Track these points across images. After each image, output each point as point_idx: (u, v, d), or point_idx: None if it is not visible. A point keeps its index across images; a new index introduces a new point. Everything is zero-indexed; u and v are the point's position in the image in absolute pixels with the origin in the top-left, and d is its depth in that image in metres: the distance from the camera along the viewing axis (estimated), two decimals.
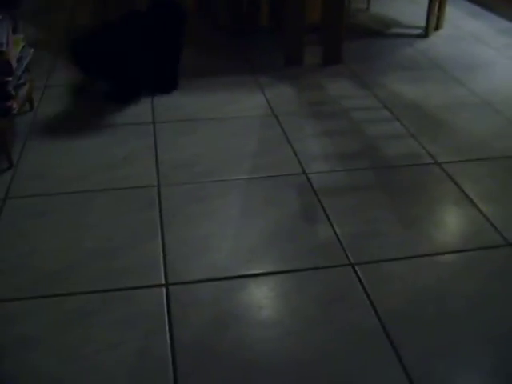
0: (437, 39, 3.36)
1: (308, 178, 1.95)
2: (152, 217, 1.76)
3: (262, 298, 1.48)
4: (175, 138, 2.20)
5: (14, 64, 2.05)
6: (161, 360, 1.30)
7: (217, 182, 1.93)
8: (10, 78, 1.99)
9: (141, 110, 2.42)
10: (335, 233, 1.69)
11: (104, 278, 1.52)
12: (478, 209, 1.82)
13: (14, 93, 2.02)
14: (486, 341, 1.36)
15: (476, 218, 1.79)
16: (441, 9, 3.45)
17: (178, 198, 1.84)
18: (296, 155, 2.08)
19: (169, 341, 1.34)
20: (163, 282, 1.52)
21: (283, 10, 2.84)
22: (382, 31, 3.48)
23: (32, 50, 2.31)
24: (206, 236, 1.68)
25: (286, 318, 1.43)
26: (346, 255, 1.61)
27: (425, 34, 3.41)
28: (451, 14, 3.70)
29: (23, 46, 2.24)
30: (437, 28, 3.49)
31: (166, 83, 2.59)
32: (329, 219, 1.75)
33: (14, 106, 2.02)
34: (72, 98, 2.53)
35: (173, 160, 2.05)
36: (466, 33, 3.49)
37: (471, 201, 1.86)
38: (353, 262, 1.59)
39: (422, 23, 3.42)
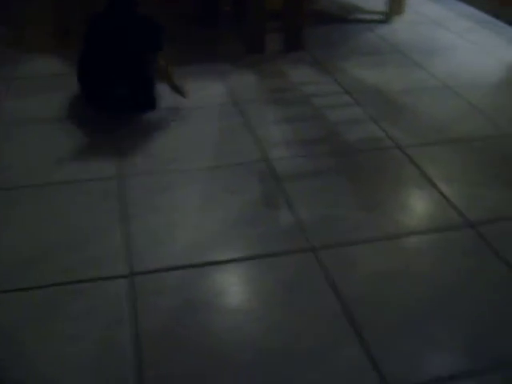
0: (398, 24, 3.37)
1: (270, 165, 1.94)
2: (115, 208, 1.73)
3: (226, 285, 1.48)
4: None
5: None
6: (125, 350, 1.28)
7: (179, 172, 1.91)
8: None
9: None
10: (297, 218, 1.69)
11: (67, 271, 1.50)
12: (440, 191, 1.83)
13: None
14: (448, 319, 1.37)
15: (438, 199, 1.80)
16: None
17: (140, 188, 1.82)
18: (258, 142, 2.07)
19: (133, 330, 1.32)
20: (127, 272, 1.50)
21: None
22: (343, 17, 3.48)
23: None
24: (170, 225, 1.67)
25: (251, 304, 1.42)
26: (308, 240, 1.61)
27: (386, 20, 3.42)
28: None
29: None
30: (398, 13, 3.51)
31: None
32: (291, 205, 1.74)
33: None
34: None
35: (134, 152, 2.02)
36: (427, 17, 3.51)
37: (433, 183, 1.87)
38: (315, 246, 1.59)
39: (384, 9, 3.43)
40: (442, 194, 1.82)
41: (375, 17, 3.46)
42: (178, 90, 2.32)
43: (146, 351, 1.28)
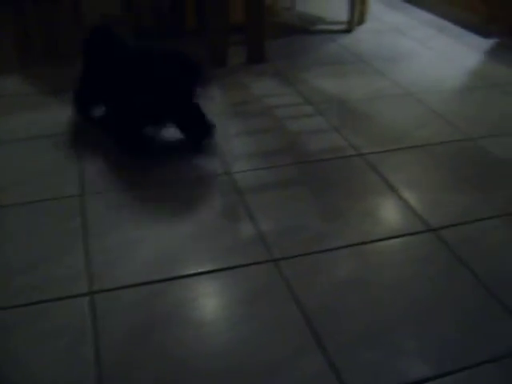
0: (360, 33, 3.40)
1: (232, 178, 1.93)
2: (75, 227, 1.71)
3: (188, 299, 1.46)
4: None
5: None
6: (85, 369, 1.26)
7: (140, 187, 1.90)
8: None
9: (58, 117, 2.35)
10: (259, 230, 1.68)
11: (25, 292, 1.47)
12: (401, 197, 1.84)
13: None
14: (411, 326, 1.37)
15: (400, 206, 1.80)
16: (364, 3, 3.49)
17: (101, 205, 1.80)
18: (220, 156, 2.06)
19: (93, 349, 1.30)
20: (87, 291, 1.48)
21: (205, 10, 2.83)
22: (306, 28, 3.50)
23: None
24: (131, 242, 1.65)
25: (212, 317, 1.41)
26: (270, 251, 1.60)
27: (348, 29, 3.44)
28: (374, 8, 3.76)
29: None
30: (360, 22, 3.54)
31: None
32: (253, 217, 1.74)
33: None
34: None
35: (98, 169, 2.00)
36: (390, 26, 3.54)
37: (394, 190, 1.87)
38: (276, 257, 1.58)
39: (346, 18, 3.46)
40: (403, 200, 1.82)
41: (338, 27, 3.48)
42: None
43: (106, 369, 1.26)
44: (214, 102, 2.48)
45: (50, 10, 3.24)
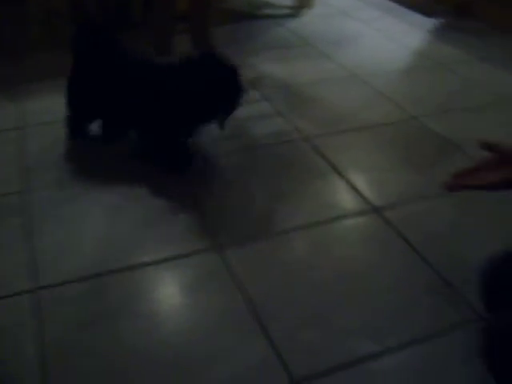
0: (308, 17, 3.39)
1: None
2: (20, 224, 1.68)
3: (134, 291, 1.45)
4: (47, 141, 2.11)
5: None
6: (31, 365, 1.25)
7: (86, 180, 1.87)
8: None
9: (8, 115, 2.30)
10: (204, 217, 1.68)
11: None
12: (346, 178, 1.85)
13: None
14: (353, 304, 1.39)
15: (343, 187, 1.82)
16: None
17: (46, 201, 1.77)
18: None
19: (39, 344, 1.29)
20: (33, 287, 1.45)
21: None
22: (254, 14, 3.48)
23: None
24: (77, 236, 1.62)
25: (158, 307, 1.40)
26: (215, 238, 1.60)
27: (296, 13, 3.44)
28: None
29: None
30: (308, 6, 3.53)
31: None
32: (200, 204, 1.73)
33: None
34: None
35: (42, 162, 1.96)
36: (337, 9, 3.55)
37: (338, 171, 1.88)
38: (221, 244, 1.57)
39: (294, 3, 3.46)
40: (347, 181, 1.83)
41: (285, 11, 3.47)
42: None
43: (52, 364, 1.25)
44: None
45: None
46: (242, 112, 2.03)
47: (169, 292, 1.45)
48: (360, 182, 1.83)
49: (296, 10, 3.45)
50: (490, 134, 2.06)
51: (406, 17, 3.38)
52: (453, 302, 1.40)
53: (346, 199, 1.77)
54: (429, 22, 3.27)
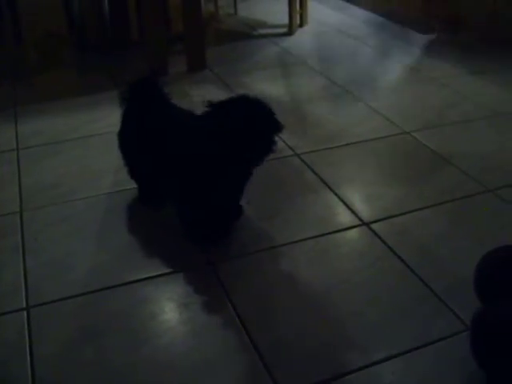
0: (301, 36, 3.44)
1: None
2: (13, 243, 1.70)
3: (124, 308, 1.46)
4: (40, 162, 2.14)
5: None
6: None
7: (80, 200, 1.90)
8: None
9: (3, 137, 2.34)
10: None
11: None
12: (335, 193, 1.87)
13: None
14: (343, 316, 1.41)
15: (333, 202, 1.84)
16: (303, 6, 3.53)
17: (40, 220, 1.80)
18: None
19: (28, 363, 1.31)
20: (24, 305, 1.47)
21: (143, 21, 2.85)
22: (248, 33, 3.53)
23: None
24: (68, 255, 1.65)
25: (147, 324, 1.42)
26: (204, 255, 1.62)
27: (290, 32, 3.48)
28: (316, 10, 3.82)
29: None
30: (301, 25, 3.58)
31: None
32: None
33: None
34: None
35: (37, 184, 1.99)
36: (330, 26, 3.59)
37: (328, 187, 1.91)
38: (214, 260, 1.60)
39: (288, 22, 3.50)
40: (337, 196, 1.86)
41: (279, 30, 3.52)
42: None
43: (43, 380, 1.27)
44: None
45: None
46: None
47: (158, 309, 1.46)
48: (351, 196, 1.86)
49: (290, 29, 3.49)
50: (480, 148, 2.10)
51: (399, 33, 3.42)
52: (441, 313, 1.41)
53: (335, 214, 1.79)
54: (421, 38, 3.31)
